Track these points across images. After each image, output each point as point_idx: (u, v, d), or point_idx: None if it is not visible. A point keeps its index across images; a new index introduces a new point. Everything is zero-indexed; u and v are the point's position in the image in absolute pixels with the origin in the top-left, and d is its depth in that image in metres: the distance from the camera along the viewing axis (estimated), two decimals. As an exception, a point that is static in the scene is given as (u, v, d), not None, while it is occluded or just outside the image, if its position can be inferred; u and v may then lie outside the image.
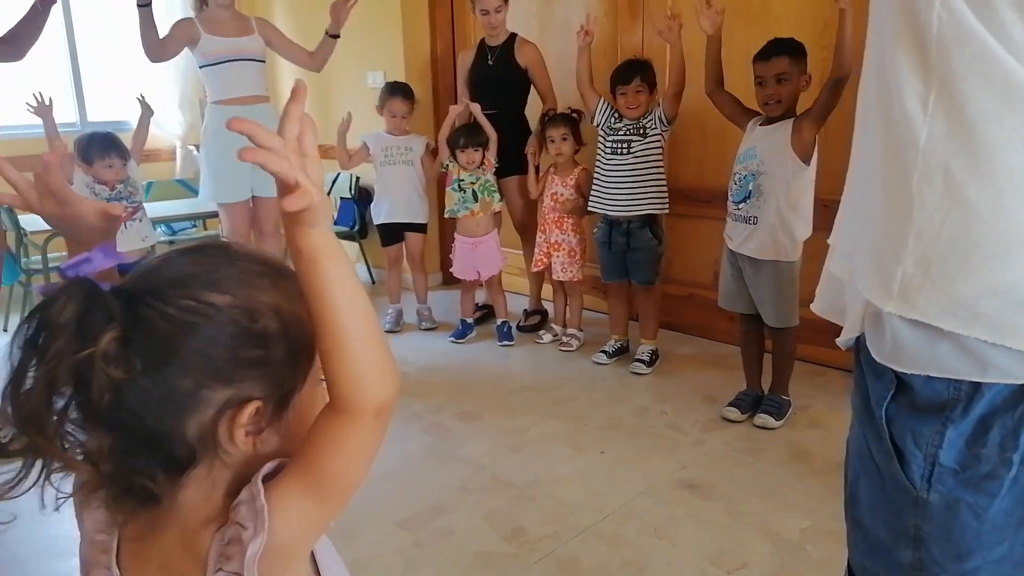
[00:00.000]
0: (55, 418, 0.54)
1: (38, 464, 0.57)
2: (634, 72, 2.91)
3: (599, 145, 3.04)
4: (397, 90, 3.49)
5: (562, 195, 3.23)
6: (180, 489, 0.61)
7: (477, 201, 3.34)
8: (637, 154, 2.94)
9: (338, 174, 4.53)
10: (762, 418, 2.54)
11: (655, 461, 2.34)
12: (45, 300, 0.54)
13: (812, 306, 0.87)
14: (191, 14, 3.28)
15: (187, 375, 0.57)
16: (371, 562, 1.86)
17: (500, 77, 3.39)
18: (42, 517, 2.19)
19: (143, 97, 3.27)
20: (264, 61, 3.36)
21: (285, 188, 0.54)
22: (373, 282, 4.49)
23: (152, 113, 3.27)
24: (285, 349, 0.61)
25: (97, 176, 3.01)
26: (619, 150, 2.97)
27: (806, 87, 2.39)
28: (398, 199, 3.53)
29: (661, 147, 2.95)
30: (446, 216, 3.49)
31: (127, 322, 0.55)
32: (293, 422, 0.64)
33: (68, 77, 4.55)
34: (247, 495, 0.60)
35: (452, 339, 3.49)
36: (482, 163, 3.32)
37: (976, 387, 0.64)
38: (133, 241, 3.10)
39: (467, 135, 3.28)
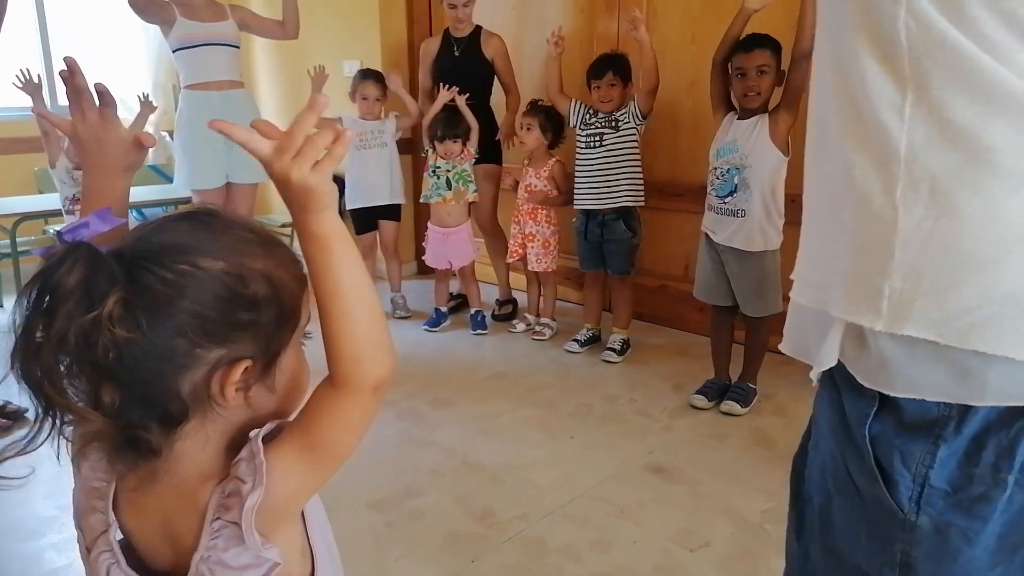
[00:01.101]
0: (64, 375, 0.57)
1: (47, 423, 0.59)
2: (607, 66, 2.95)
3: (576, 141, 3.08)
4: (369, 75, 3.51)
5: (536, 186, 3.26)
6: (176, 443, 0.64)
7: (450, 189, 3.37)
8: (609, 147, 2.98)
9: (313, 163, 4.52)
10: (729, 405, 2.60)
11: (624, 446, 2.39)
12: (48, 264, 0.57)
13: (781, 346, 0.84)
14: None
15: (182, 335, 0.60)
16: (342, 542, 1.85)
17: (467, 69, 3.42)
18: (9, 498, 2.17)
19: (146, 95, 3.26)
20: (238, 47, 3.35)
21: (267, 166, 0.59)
22: (348, 271, 4.49)
23: (153, 110, 3.25)
24: (274, 312, 0.64)
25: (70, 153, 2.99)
26: (592, 143, 3.01)
27: (779, 83, 2.45)
28: (376, 182, 3.55)
29: (635, 141, 2.99)
30: (421, 201, 3.51)
31: (128, 285, 0.58)
32: (279, 379, 0.67)
33: (39, 61, 4.47)
34: (247, 453, 0.63)
35: (426, 327, 3.51)
36: (461, 153, 3.34)
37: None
38: None
39: (445, 126, 3.30)
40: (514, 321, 3.55)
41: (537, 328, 3.42)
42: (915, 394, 0.63)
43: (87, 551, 0.68)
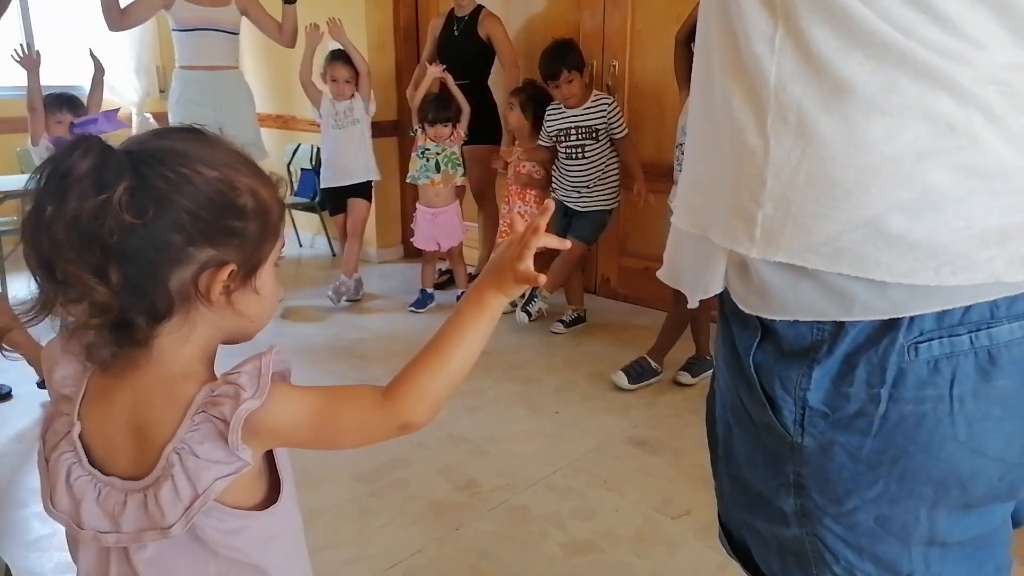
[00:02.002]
0: (74, 251, 0.61)
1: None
2: (559, 64, 2.95)
3: (558, 149, 3.12)
4: (338, 56, 3.48)
5: (525, 167, 3.27)
6: (158, 337, 0.67)
7: (439, 172, 3.37)
8: (591, 157, 3.05)
9: (298, 145, 4.51)
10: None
11: (607, 421, 2.41)
12: (61, 151, 0.61)
13: (659, 273, 0.87)
14: None
15: (178, 231, 0.64)
16: (327, 511, 1.89)
17: (464, 48, 3.42)
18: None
19: (92, 51, 3.20)
20: (237, 33, 3.34)
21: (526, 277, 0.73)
22: (334, 254, 4.48)
23: (104, 72, 3.20)
24: (258, 225, 0.69)
25: (51, 133, 2.97)
26: (574, 154, 3.06)
27: None
28: (350, 161, 3.54)
29: (613, 146, 3.06)
30: (408, 181, 3.51)
31: (134, 177, 0.62)
32: (260, 288, 0.71)
33: (20, 39, 4.42)
34: (252, 367, 0.66)
35: (412, 308, 3.51)
36: (450, 136, 3.34)
37: (840, 326, 0.64)
38: None
39: (436, 109, 3.29)
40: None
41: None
42: (788, 315, 0.66)
43: (46, 461, 0.70)
